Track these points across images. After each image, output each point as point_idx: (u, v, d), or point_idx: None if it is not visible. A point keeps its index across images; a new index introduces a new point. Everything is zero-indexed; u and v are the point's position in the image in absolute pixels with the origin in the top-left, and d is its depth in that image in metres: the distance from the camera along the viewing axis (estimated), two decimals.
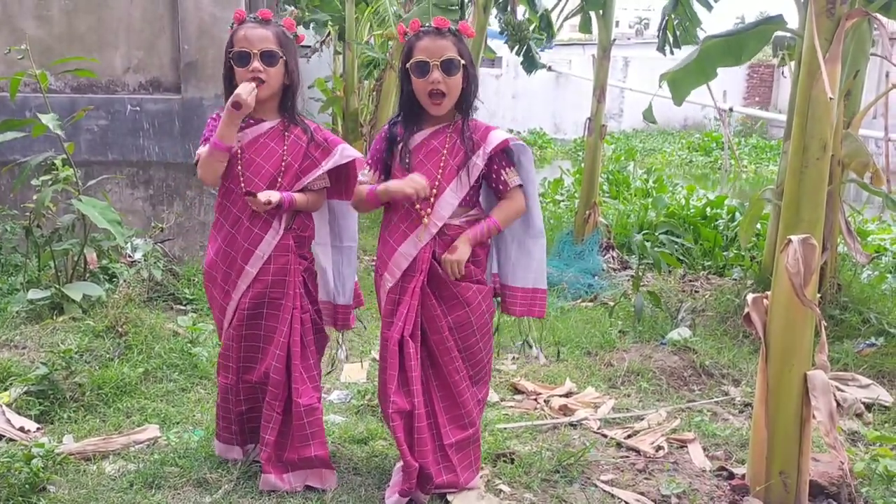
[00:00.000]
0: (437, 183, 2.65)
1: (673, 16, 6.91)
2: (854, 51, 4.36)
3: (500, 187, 2.75)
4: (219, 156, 2.68)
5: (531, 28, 8.49)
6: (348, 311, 2.99)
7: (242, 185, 2.72)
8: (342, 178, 2.86)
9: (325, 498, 2.75)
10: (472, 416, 2.76)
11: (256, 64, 2.65)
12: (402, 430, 2.66)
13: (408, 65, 2.60)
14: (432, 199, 2.65)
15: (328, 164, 2.76)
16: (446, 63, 2.57)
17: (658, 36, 7.38)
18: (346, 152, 2.77)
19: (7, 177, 5.10)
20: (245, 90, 2.61)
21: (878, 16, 2.66)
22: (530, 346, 4.42)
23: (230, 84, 2.74)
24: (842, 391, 3.75)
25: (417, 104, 2.69)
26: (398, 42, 8.96)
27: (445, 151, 2.67)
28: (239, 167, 2.74)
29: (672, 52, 7.33)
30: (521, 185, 2.74)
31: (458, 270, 2.65)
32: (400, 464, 2.80)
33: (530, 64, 9.18)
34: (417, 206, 2.66)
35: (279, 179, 2.74)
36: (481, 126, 2.73)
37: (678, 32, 6.90)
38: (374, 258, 2.93)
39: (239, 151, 2.75)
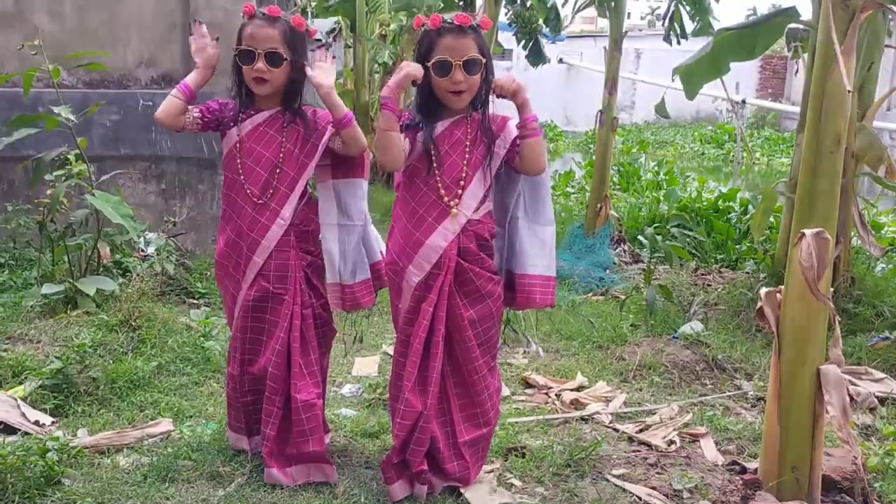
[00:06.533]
0: (464, 174, 2.66)
1: (683, 4, 6.87)
2: (868, 42, 4.33)
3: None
4: (177, 94, 2.73)
5: (540, 21, 8.48)
6: (354, 291, 2.90)
7: (242, 175, 2.77)
8: (346, 157, 2.84)
9: (336, 492, 2.76)
10: (489, 416, 2.78)
11: (260, 65, 2.67)
12: (409, 429, 2.67)
13: (429, 63, 2.57)
14: (460, 191, 2.66)
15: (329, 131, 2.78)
16: (469, 63, 2.55)
17: (664, 25, 7.36)
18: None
19: (20, 172, 5.13)
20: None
21: (894, 7, 2.62)
22: (528, 341, 4.43)
23: (239, 77, 2.77)
24: (855, 385, 3.73)
25: (436, 97, 2.67)
26: (410, 34, 8.93)
27: (468, 143, 2.67)
28: (238, 157, 2.78)
29: (679, 43, 7.29)
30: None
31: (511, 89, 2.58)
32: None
33: (536, 57, 9.15)
34: (445, 197, 2.65)
35: (280, 167, 2.77)
36: (497, 117, 2.73)
37: (697, 23, 6.86)
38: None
39: (238, 141, 2.79)
